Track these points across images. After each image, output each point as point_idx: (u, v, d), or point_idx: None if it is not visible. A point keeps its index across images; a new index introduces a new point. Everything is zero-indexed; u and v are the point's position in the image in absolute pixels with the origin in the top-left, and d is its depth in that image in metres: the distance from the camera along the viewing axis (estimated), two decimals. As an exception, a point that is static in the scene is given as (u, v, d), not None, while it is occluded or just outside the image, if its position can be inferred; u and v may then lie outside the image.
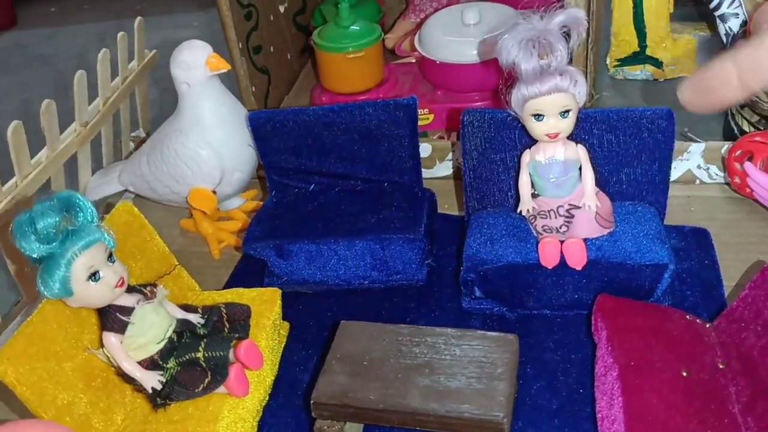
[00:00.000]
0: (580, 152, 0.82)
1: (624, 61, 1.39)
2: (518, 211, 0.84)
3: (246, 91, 1.22)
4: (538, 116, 0.79)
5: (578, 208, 0.82)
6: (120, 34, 1.14)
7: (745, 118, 1.10)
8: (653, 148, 0.86)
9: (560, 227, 0.82)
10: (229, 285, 1.00)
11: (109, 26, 2.21)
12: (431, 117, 1.24)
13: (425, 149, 1.13)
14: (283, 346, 0.88)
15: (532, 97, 0.77)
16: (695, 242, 0.96)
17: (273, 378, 0.83)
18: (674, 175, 1.07)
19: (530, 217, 0.84)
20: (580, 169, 0.83)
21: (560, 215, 0.82)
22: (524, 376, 0.80)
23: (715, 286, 0.89)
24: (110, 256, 0.69)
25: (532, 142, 0.84)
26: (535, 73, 0.76)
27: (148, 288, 0.73)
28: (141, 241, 0.82)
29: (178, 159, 1.00)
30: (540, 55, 0.76)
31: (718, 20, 1.14)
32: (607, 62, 1.40)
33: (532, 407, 0.77)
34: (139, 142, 1.27)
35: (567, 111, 0.78)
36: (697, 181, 1.07)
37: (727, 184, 1.04)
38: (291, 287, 0.95)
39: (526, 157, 0.84)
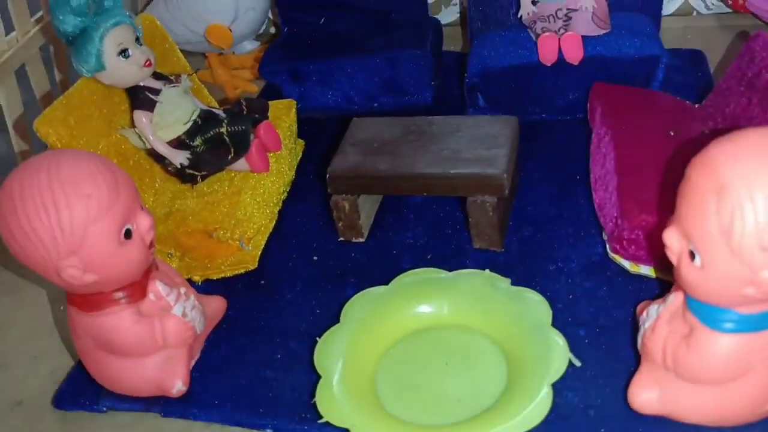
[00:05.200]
0: (578, -45, 0.86)
1: None
2: (518, 15, 0.89)
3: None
4: None
5: (576, 10, 0.86)
6: None
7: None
8: (649, -45, 0.90)
9: (558, 30, 0.87)
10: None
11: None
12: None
13: (431, -6, 1.16)
14: (299, 159, 0.93)
15: None
16: (690, 61, 1.00)
17: (291, 178, 0.89)
18: (671, 7, 1.10)
19: (530, 22, 0.89)
20: (577, -26, 0.87)
21: (558, 18, 0.87)
22: (525, 169, 0.85)
23: (707, 95, 0.93)
24: (137, 39, 0.74)
25: (533, -46, 0.88)
26: None
27: (173, 76, 0.79)
28: (162, 51, 0.87)
29: (194, -4, 1.04)
30: None
31: None
32: None
33: (531, 190, 0.83)
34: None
35: None
36: (695, 13, 1.10)
37: (725, 13, 1.07)
38: (305, 113, 1.00)
39: (526, -38, 0.88)
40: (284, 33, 1.06)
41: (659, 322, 0.53)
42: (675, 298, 0.52)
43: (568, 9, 0.86)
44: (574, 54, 0.84)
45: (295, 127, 0.91)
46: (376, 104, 0.99)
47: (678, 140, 0.71)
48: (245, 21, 1.08)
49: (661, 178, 0.65)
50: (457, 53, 1.10)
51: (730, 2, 1.04)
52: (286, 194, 0.87)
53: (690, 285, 0.48)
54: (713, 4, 1.08)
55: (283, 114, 0.89)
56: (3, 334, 0.79)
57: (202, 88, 0.92)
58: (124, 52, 0.73)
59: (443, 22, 1.19)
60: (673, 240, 0.48)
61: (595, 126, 0.80)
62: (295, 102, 0.91)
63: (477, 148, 0.75)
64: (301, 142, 0.96)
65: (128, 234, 0.58)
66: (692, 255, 0.47)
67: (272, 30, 1.26)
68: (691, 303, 0.50)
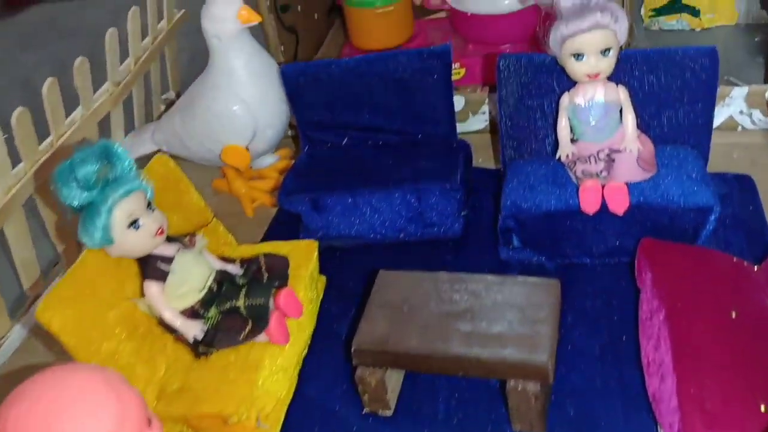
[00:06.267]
0: (621, 93, 0.80)
1: (660, 11, 1.35)
2: (557, 156, 0.83)
3: (275, 50, 1.21)
4: (578, 56, 0.76)
5: (619, 152, 0.80)
6: (148, -8, 1.14)
7: (789, 62, 1.06)
8: (696, 88, 0.84)
9: (600, 172, 0.80)
10: (263, 241, 1.00)
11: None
12: (463, 71, 1.22)
13: (458, 102, 1.11)
14: (320, 299, 0.87)
15: (571, 35, 0.75)
16: (738, 188, 0.93)
17: (312, 330, 0.83)
18: (716, 121, 1.03)
19: (569, 163, 0.83)
20: (620, 111, 0.80)
21: (600, 160, 0.80)
22: (565, 324, 0.78)
23: (760, 231, 0.87)
24: (149, 204, 0.69)
25: (570, 85, 0.82)
26: (575, 10, 0.74)
27: (187, 237, 0.73)
28: (177, 193, 0.82)
29: (211, 115, 0.99)
30: (581, -11, 0.74)
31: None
32: (642, 13, 1.36)
33: (574, 353, 0.76)
34: (170, 104, 1.27)
35: (608, 49, 0.76)
36: (740, 128, 1.04)
37: (772, 128, 1.01)
38: (326, 242, 0.94)
39: (565, 100, 0.81)
40: (305, 154, 1.01)
41: None
42: None
43: (610, 150, 0.80)
44: (619, 206, 0.78)
45: (316, 271, 0.86)
46: (402, 235, 0.93)
47: (742, 324, 0.64)
48: (263, 139, 1.03)
49: (727, 379, 0.59)
50: (488, 170, 1.04)
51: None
52: (306, 351, 0.81)
53: None
54: (759, 119, 1.02)
55: (304, 259, 0.83)
56: None
57: (218, 228, 0.87)
58: (134, 223, 0.67)
59: (471, 129, 1.14)
60: None
61: (644, 290, 0.74)
62: (316, 244, 0.86)
63: (517, 323, 0.68)
64: (323, 278, 0.90)
65: (135, 464, 0.52)
66: None
67: (289, 132, 1.21)
68: None
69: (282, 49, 1.24)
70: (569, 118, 0.82)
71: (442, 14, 1.34)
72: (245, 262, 0.78)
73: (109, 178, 0.66)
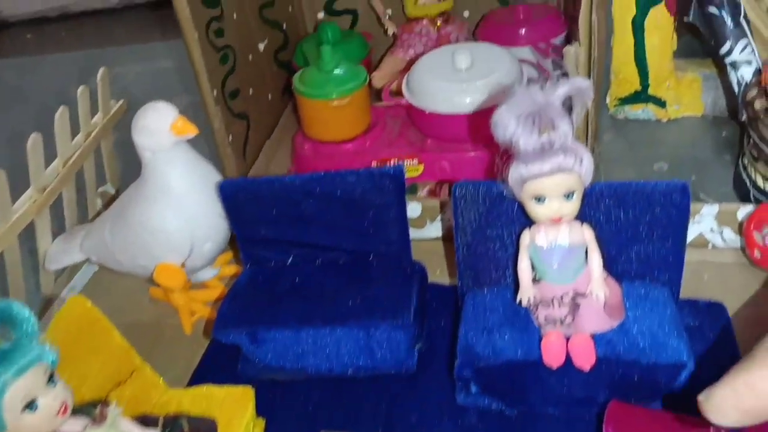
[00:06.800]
0: (586, 234, 0.73)
1: (625, 100, 1.31)
2: (517, 300, 0.76)
3: (222, 145, 1.13)
4: (539, 199, 0.70)
5: (584, 296, 0.73)
6: (80, 89, 1.05)
7: (759, 172, 1.02)
8: (666, 224, 0.78)
9: (564, 318, 0.74)
10: (200, 368, 0.91)
11: (89, 55, 2.10)
12: (421, 168, 1.15)
13: (414, 209, 1.04)
14: (257, 447, 0.79)
15: (532, 178, 0.69)
16: (710, 320, 0.87)
17: (246, 491, 0.74)
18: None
19: (531, 307, 0.76)
20: (586, 250, 0.74)
21: (564, 304, 0.74)
22: (527, 488, 0.71)
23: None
24: (51, 377, 0.60)
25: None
26: (536, 152, 0.68)
27: (98, 408, 0.64)
28: (95, 338, 0.74)
29: (142, 230, 0.91)
30: (541, 130, 0.68)
31: (729, 68, 1.06)
32: (607, 101, 1.31)
33: None
34: (110, 199, 1.18)
35: (571, 193, 0.70)
36: (710, 246, 0.98)
37: (743, 249, 0.96)
38: (267, 374, 0.86)
39: (526, 238, 0.75)
40: (245, 274, 0.92)
41: None
42: None
43: (575, 293, 0.73)
44: (585, 361, 0.71)
45: (252, 421, 0.77)
46: (350, 370, 0.85)
47: None
48: (201, 253, 0.94)
49: None
50: (444, 289, 0.97)
51: (754, 261, 0.92)
52: None
53: None
54: (730, 238, 0.97)
55: (237, 411, 0.74)
56: None
57: (145, 371, 0.78)
58: (30, 405, 0.58)
59: (429, 236, 1.07)
60: None
61: (613, 465, 0.67)
62: (252, 391, 0.77)
63: None
64: (261, 422, 0.81)
65: None
66: None
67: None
68: None
69: (230, 139, 1.17)
70: (530, 258, 0.75)
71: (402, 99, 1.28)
72: (168, 423, 0.69)
73: (1, 351, 0.57)
